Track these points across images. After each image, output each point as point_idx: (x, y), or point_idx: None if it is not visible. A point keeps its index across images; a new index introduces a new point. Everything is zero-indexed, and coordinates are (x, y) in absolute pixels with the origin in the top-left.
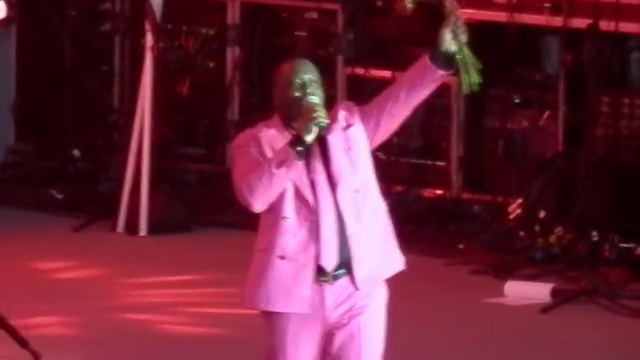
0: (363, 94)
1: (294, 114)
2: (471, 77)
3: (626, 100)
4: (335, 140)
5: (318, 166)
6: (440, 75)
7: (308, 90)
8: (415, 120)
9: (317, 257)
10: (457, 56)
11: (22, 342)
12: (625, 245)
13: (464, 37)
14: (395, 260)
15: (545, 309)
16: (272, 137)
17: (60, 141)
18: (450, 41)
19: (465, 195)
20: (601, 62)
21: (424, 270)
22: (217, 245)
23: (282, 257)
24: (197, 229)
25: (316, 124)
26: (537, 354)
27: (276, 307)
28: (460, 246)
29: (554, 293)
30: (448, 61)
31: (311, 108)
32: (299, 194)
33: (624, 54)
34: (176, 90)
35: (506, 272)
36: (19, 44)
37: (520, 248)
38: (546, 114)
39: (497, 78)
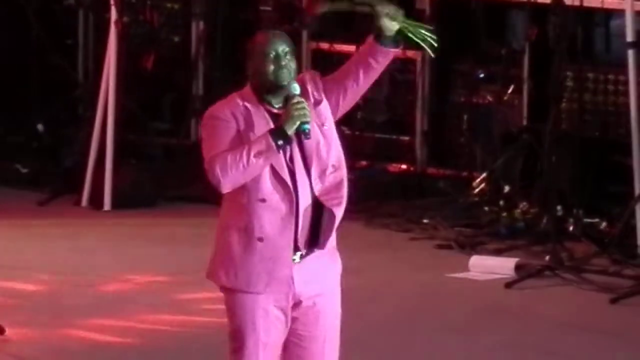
0: (328, 69)
1: (267, 87)
2: (427, 40)
3: (590, 75)
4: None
5: (294, 145)
6: (391, 52)
7: (282, 63)
8: (380, 95)
9: (295, 237)
10: (405, 32)
11: None
12: (589, 220)
13: (400, 15)
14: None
15: (509, 284)
16: (248, 112)
17: (25, 116)
18: (390, 26)
19: (430, 170)
20: (566, 37)
21: (389, 244)
22: (182, 219)
23: (261, 239)
24: (162, 203)
25: (301, 123)
26: (501, 329)
27: (258, 289)
28: (425, 221)
29: (519, 268)
30: (394, 40)
31: (297, 103)
32: (276, 175)
33: (588, 29)
34: (141, 64)
35: (471, 246)
36: None
37: (484, 223)
38: (511, 88)
39: (462, 53)
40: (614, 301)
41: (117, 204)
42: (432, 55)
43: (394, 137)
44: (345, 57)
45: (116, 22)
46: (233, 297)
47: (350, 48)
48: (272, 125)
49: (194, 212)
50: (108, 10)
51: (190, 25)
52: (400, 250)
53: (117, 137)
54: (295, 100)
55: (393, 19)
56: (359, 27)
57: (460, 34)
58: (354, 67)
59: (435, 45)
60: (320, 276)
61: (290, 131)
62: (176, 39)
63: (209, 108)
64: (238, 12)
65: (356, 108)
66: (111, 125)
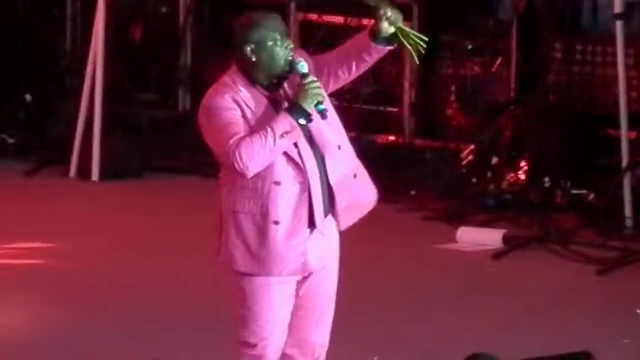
0: (315, 40)
1: (275, 72)
2: (417, 47)
3: (578, 46)
4: None
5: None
6: (385, 50)
7: (290, 46)
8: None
9: (310, 217)
10: (399, 35)
11: None
12: (576, 191)
13: (398, 20)
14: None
15: (496, 255)
16: (246, 96)
17: (12, 86)
18: (387, 29)
19: (417, 142)
20: (553, 7)
21: (376, 216)
22: (168, 190)
23: (277, 222)
24: (148, 174)
25: (317, 103)
26: (488, 300)
27: (274, 273)
28: (413, 192)
29: (506, 239)
30: (388, 40)
31: (310, 82)
32: (288, 157)
33: (576, 0)
34: (128, 35)
35: (458, 218)
36: None
37: (472, 194)
38: (499, 60)
39: (450, 24)
40: (601, 273)
41: (104, 174)
42: (417, 62)
43: (382, 108)
44: (333, 28)
45: None
46: (248, 280)
47: (339, 19)
48: (271, 108)
49: (180, 183)
50: None
51: None
52: (388, 222)
53: (105, 108)
54: (308, 80)
55: (392, 22)
56: None
57: (447, 6)
58: (347, 58)
59: (423, 53)
60: (325, 248)
61: (309, 109)
62: (164, 9)
63: (204, 98)
64: None
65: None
66: (99, 96)
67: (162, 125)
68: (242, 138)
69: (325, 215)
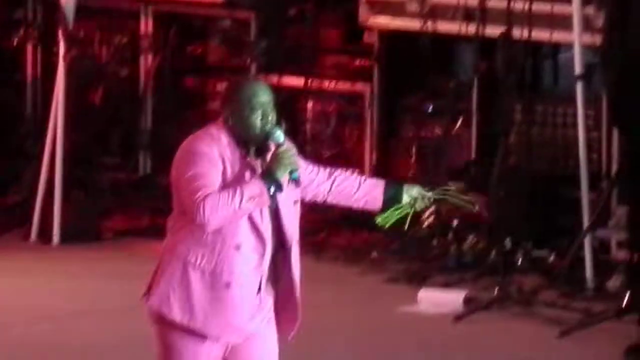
0: (276, 103)
1: (251, 139)
2: (466, 203)
3: (539, 108)
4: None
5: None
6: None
7: (269, 118)
8: (329, 129)
9: (258, 289)
10: (442, 199)
11: None
12: (537, 253)
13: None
14: None
15: (458, 317)
16: (231, 156)
17: None
18: (412, 200)
19: None
20: (514, 69)
21: (337, 278)
22: (129, 254)
23: (228, 285)
24: (109, 237)
25: (290, 172)
26: None
27: (212, 333)
28: (373, 254)
29: (467, 301)
30: (395, 201)
31: (286, 151)
32: (253, 226)
33: (536, 62)
34: (89, 98)
35: (419, 280)
36: None
37: (433, 256)
38: (459, 121)
39: (411, 86)
40: (562, 334)
41: (65, 238)
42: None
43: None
44: (293, 91)
45: (64, 57)
46: (177, 336)
47: (299, 82)
48: (249, 173)
49: (141, 246)
50: (56, 44)
51: (138, 59)
52: (349, 285)
53: (66, 172)
54: (284, 149)
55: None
56: (308, 61)
57: (408, 68)
58: (337, 192)
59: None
60: (259, 310)
61: (282, 179)
62: (124, 73)
63: (188, 142)
64: (186, 47)
65: (304, 142)
66: (59, 160)
67: (123, 189)
68: (211, 192)
69: (260, 302)
